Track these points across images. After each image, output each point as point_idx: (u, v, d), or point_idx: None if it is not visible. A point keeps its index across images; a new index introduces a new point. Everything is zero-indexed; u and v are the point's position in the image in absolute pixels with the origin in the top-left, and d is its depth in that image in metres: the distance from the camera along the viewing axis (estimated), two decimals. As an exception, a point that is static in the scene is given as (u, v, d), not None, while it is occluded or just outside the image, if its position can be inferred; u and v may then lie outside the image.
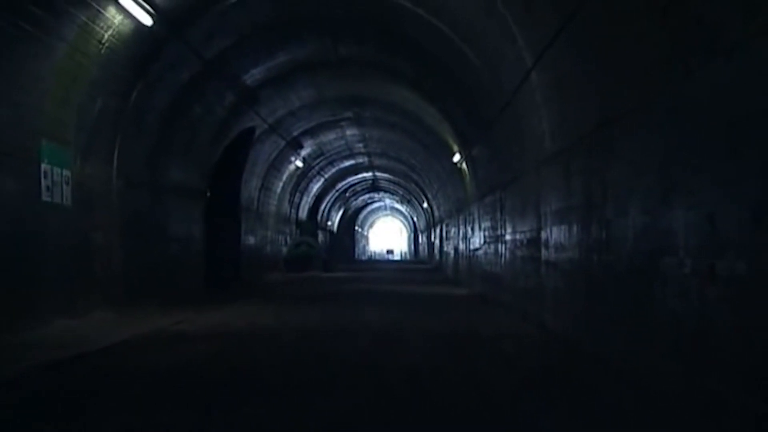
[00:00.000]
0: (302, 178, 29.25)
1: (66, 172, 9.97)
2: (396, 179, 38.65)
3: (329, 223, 43.17)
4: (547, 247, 10.22)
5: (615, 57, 6.87)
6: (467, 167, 18.68)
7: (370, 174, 37.95)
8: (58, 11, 8.61)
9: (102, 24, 9.49)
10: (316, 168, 30.10)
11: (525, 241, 11.88)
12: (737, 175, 4.64)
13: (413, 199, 43.30)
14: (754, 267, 4.43)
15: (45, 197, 9.42)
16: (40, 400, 5.94)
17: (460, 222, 22.86)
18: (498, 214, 14.90)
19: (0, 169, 8.37)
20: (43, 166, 9.35)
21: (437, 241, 34.54)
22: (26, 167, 9.00)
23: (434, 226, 36.19)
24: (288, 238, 30.15)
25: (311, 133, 23.83)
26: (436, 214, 33.59)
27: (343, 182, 38.24)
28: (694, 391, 5.20)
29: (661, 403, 5.44)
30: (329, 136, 25.82)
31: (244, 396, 6.02)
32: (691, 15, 5.13)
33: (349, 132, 25.85)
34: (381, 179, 40.12)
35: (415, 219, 54.64)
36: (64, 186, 9.94)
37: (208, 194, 17.38)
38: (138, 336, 9.26)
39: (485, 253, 17.02)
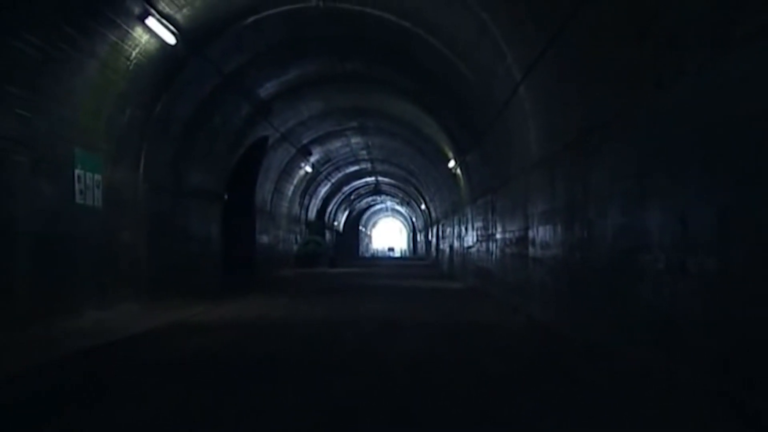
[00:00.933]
0: (311, 182, 29.24)
1: (97, 177, 9.98)
2: (396, 183, 38.62)
3: (335, 223, 43.15)
4: (534, 245, 10.23)
5: (596, 72, 6.88)
6: (461, 172, 18.68)
7: (372, 178, 37.93)
8: (90, 32, 8.62)
9: (130, 43, 9.51)
10: (324, 173, 30.09)
11: (514, 240, 11.89)
12: (706, 180, 4.67)
13: (412, 201, 43.26)
14: (721, 264, 4.47)
15: (78, 200, 9.42)
16: (78, 381, 6.04)
17: (455, 222, 22.84)
18: (489, 215, 14.90)
19: (39, 174, 8.37)
20: (77, 171, 9.36)
21: (434, 240, 34.52)
22: (62, 172, 9.00)
23: (431, 226, 36.16)
24: (298, 237, 30.14)
25: (319, 141, 23.84)
26: (433, 215, 33.55)
27: (348, 186, 38.21)
28: (665, 373, 5.23)
29: (635, 383, 5.46)
30: (336, 144, 25.82)
31: (260, 378, 6.06)
32: (665, 36, 5.16)
33: (353, 140, 25.85)
34: (383, 183, 40.10)
35: (414, 219, 54.59)
36: (95, 189, 9.95)
37: (226, 197, 17.39)
38: (162, 326, 9.30)
39: (478, 251, 17.02)
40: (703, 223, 4.67)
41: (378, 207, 60.26)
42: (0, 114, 7.53)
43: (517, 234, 11.59)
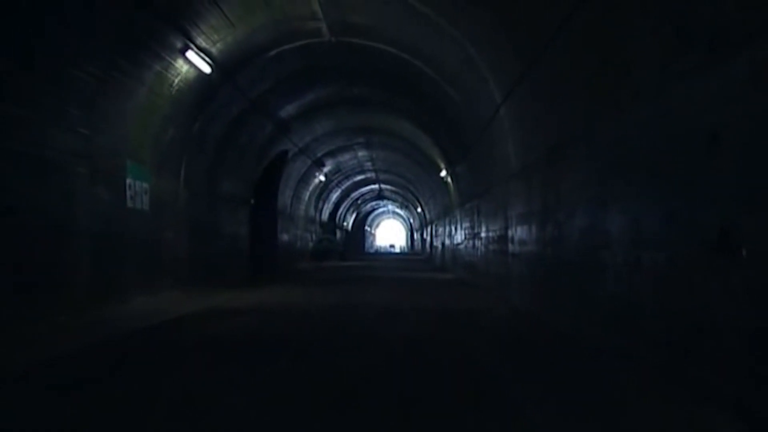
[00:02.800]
0: (324, 189, 29.25)
1: (145, 185, 10.03)
2: (397, 189, 38.57)
3: (345, 223, 43.11)
4: (513, 242, 10.25)
5: (565, 96, 6.90)
6: (451, 181, 18.68)
7: (376, 186, 37.87)
8: (140, 62, 8.68)
9: (173, 72, 9.57)
10: (335, 181, 30.08)
11: (496, 238, 11.90)
12: (656, 189, 4.71)
13: (410, 205, 43.21)
14: (668, 258, 4.51)
15: (129, 204, 9.48)
16: (135, 354, 6.14)
17: (446, 223, 22.83)
18: (475, 217, 14.91)
19: (96, 182, 8.43)
20: (128, 180, 9.43)
21: (428, 238, 34.46)
22: (115, 181, 9.07)
23: (426, 226, 36.12)
24: (313, 236, 30.12)
25: (331, 154, 23.83)
26: (428, 216, 33.52)
27: (356, 192, 38.16)
28: (622, 349, 5.27)
29: (595, 356, 5.48)
30: (345, 157, 25.82)
31: (283, 353, 6.11)
32: (623, 66, 5.20)
33: (360, 153, 25.85)
34: (385, 190, 40.05)
35: (411, 220, 54.48)
36: (143, 195, 10.01)
37: (252, 201, 17.39)
38: (199, 310, 9.34)
39: (465, 247, 17.03)
40: (654, 224, 4.72)
41: (381, 210, 60.14)
42: (64, 132, 7.60)
43: (498, 233, 11.60)
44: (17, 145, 6.73)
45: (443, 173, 19.26)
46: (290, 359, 5.85)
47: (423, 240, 40.52)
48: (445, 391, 4.62)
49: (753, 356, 3.42)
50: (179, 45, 9.11)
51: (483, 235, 13.65)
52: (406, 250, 67.30)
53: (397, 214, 62.62)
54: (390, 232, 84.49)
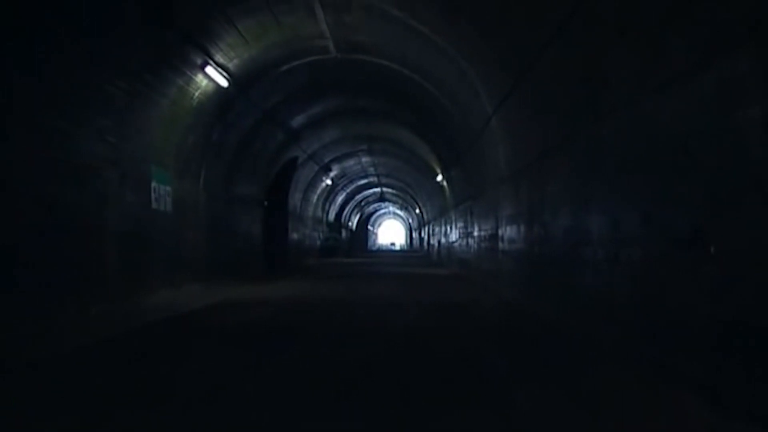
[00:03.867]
0: (331, 191, 29.26)
1: (168, 188, 10.03)
2: (397, 192, 38.58)
3: (349, 223, 43.10)
4: (502, 240, 10.29)
5: (549, 107, 6.94)
6: (447, 184, 18.72)
7: (378, 189, 37.87)
8: (163, 78, 8.71)
9: (193, 86, 9.60)
10: (341, 185, 30.09)
11: (487, 237, 11.94)
12: (632, 191, 4.75)
13: (409, 206, 43.23)
14: (643, 255, 4.56)
15: (154, 206, 9.48)
16: (168, 338, 6.27)
17: (442, 223, 22.88)
18: (468, 217, 14.95)
19: (124, 186, 8.45)
20: (153, 184, 9.43)
21: (426, 236, 34.51)
22: (141, 185, 9.08)
23: (424, 226, 36.15)
24: (321, 234, 30.12)
25: (337, 160, 23.84)
26: (425, 217, 33.56)
27: (360, 194, 38.16)
28: (600, 336, 5.31)
29: (576, 342, 5.53)
30: (350, 162, 25.83)
31: (295, 338, 6.17)
32: (601, 81, 5.24)
33: (364, 159, 25.86)
34: (386, 192, 40.05)
35: (410, 220, 54.49)
36: (167, 198, 10.00)
37: (265, 203, 17.40)
38: (218, 302, 9.40)
39: (459, 245, 17.07)
40: (630, 224, 4.76)
41: (383, 211, 60.13)
42: (95, 140, 7.64)
43: (490, 232, 11.64)
44: (57, 153, 6.79)
45: (439, 177, 19.30)
46: (302, 344, 5.91)
47: (421, 238, 40.54)
48: (441, 368, 4.72)
49: (717, 342, 3.47)
50: (199, 61, 9.15)
51: (475, 234, 13.68)
52: (405, 247, 67.24)
53: (398, 214, 62.62)
54: (391, 232, 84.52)
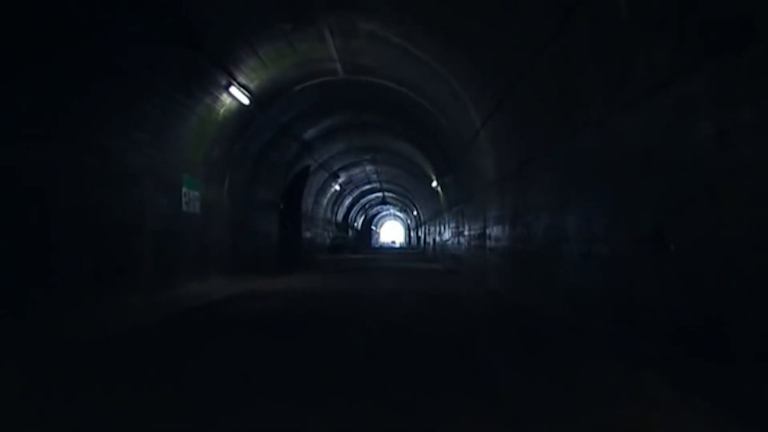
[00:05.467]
0: (339, 196, 29.27)
1: (196, 193, 10.11)
2: (397, 197, 38.55)
3: (355, 223, 43.04)
4: (490, 239, 10.29)
5: (530, 122, 6.97)
6: (441, 189, 18.72)
7: (380, 193, 37.84)
8: (194, 97, 8.79)
9: (219, 104, 9.66)
10: (347, 190, 30.09)
11: (476, 235, 11.95)
12: (603, 196, 4.79)
13: (408, 209, 43.17)
14: (611, 251, 4.60)
15: (184, 208, 9.56)
16: (200, 322, 6.34)
17: (437, 223, 22.86)
18: (460, 219, 14.94)
19: (159, 191, 8.53)
20: (183, 189, 9.50)
21: (423, 235, 34.46)
22: (174, 190, 9.16)
23: (421, 226, 36.11)
24: (330, 234, 30.14)
25: (344, 168, 23.85)
26: (422, 218, 33.52)
27: (364, 198, 38.14)
28: (576, 323, 5.34)
29: (554, 328, 5.55)
30: (355, 170, 25.84)
31: (305, 326, 6.17)
32: (575, 98, 5.28)
33: (368, 168, 25.87)
34: (388, 197, 40.02)
35: (409, 221, 54.37)
36: (196, 201, 10.08)
37: (281, 206, 17.43)
38: (240, 292, 9.42)
39: (452, 243, 17.06)
40: (601, 224, 4.80)
41: (384, 213, 60.00)
42: (134, 152, 7.72)
43: (479, 231, 11.65)
44: (102, 164, 6.87)
45: (434, 183, 19.29)
46: (314, 326, 5.98)
47: (418, 237, 40.48)
48: (435, 344, 4.80)
49: (679, 328, 3.52)
50: (225, 82, 9.21)
51: (466, 233, 13.69)
52: (404, 245, 67.00)
53: (398, 216, 62.47)
54: (392, 231, 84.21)
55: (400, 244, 74.97)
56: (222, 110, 9.94)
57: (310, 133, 15.81)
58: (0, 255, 5.13)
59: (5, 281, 5.22)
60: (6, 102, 5.24)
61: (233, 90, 9.48)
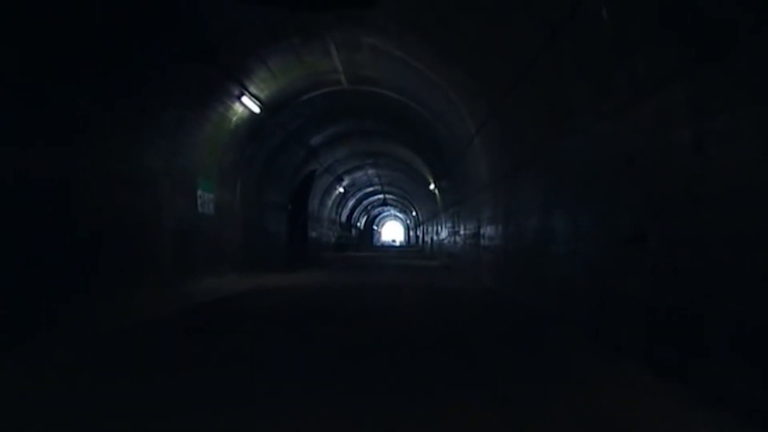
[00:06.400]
0: (343, 198, 29.25)
1: (211, 195, 10.10)
2: (397, 198, 38.55)
3: (358, 223, 43.00)
4: (483, 238, 10.32)
5: (520, 130, 7.00)
6: (438, 192, 18.75)
7: (381, 195, 37.80)
8: (208, 106, 8.80)
9: (232, 112, 9.68)
10: (351, 192, 30.07)
11: (471, 235, 11.97)
12: (588, 198, 4.82)
13: (407, 210, 43.17)
14: (596, 249, 4.62)
15: (200, 209, 9.55)
16: (217, 314, 6.41)
17: (434, 223, 22.88)
18: (455, 219, 14.97)
19: (176, 193, 8.53)
20: (199, 191, 9.51)
21: (421, 234, 34.47)
22: (190, 192, 9.16)
23: (419, 225, 36.13)
24: (335, 233, 30.11)
25: (348, 172, 23.84)
26: (420, 218, 33.54)
27: (366, 200, 38.09)
28: (563, 315, 5.37)
29: (543, 319, 5.53)
30: (358, 174, 25.84)
31: (316, 314, 6.28)
32: (563, 109, 5.31)
33: (370, 172, 25.87)
34: (388, 198, 40.00)
35: (408, 221, 54.35)
36: (210, 203, 10.07)
37: (289, 207, 17.44)
38: (252, 287, 9.47)
39: (448, 242, 17.08)
40: (586, 224, 4.82)
41: (385, 214, 59.94)
42: (154, 157, 7.76)
43: (473, 231, 11.68)
44: (125, 168, 6.92)
45: (432, 186, 19.32)
46: (322, 319, 6.01)
47: (417, 236, 40.49)
48: (433, 331, 4.91)
49: (658, 320, 3.55)
50: (237, 92, 9.23)
51: (461, 232, 13.72)
52: (404, 244, 66.90)
53: (398, 216, 62.42)
54: (392, 230, 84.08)
55: (400, 242, 74.84)
56: (234, 118, 9.96)
57: (316, 139, 15.82)
58: (46, 251, 5.23)
59: (55, 274, 5.36)
60: (60, 116, 5.43)
61: (245, 99, 9.51)
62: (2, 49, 4.56)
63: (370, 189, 32.94)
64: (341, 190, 26.19)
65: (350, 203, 33.52)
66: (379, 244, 69.54)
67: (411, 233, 52.99)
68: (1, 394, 3.22)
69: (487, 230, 9.87)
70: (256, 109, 10.19)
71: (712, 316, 2.91)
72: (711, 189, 2.93)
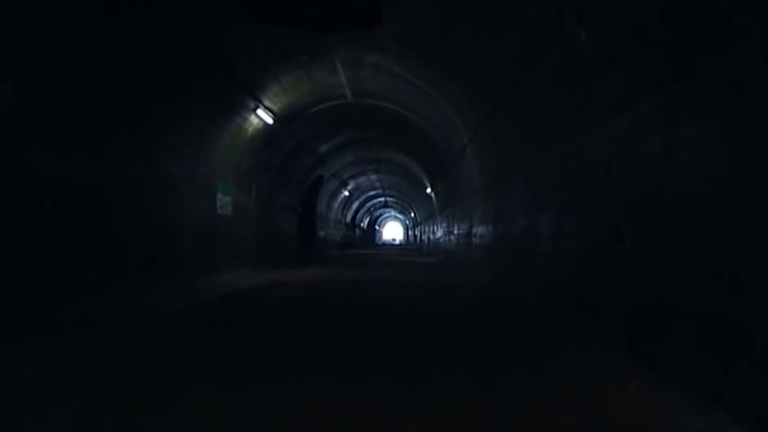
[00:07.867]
0: (347, 200, 29.22)
1: (228, 198, 10.14)
2: (397, 201, 38.47)
3: (362, 224, 42.87)
4: (475, 237, 10.33)
5: (508, 138, 7.02)
6: (434, 195, 18.75)
7: (383, 198, 37.72)
8: (226, 118, 8.85)
9: (247, 123, 9.71)
10: (355, 195, 30.03)
11: (464, 234, 11.98)
12: (571, 200, 4.85)
13: (406, 211, 43.08)
14: (578, 247, 4.65)
15: (218, 211, 9.59)
16: (235, 305, 6.42)
17: (431, 223, 22.86)
18: (450, 220, 14.97)
19: (197, 197, 8.58)
20: (218, 195, 9.55)
21: (419, 234, 34.40)
22: (210, 196, 9.20)
23: (417, 225, 36.07)
24: (340, 232, 30.08)
25: (352, 177, 23.82)
26: (418, 219, 33.49)
27: (369, 202, 37.97)
28: (549, 309, 5.39)
29: (530, 312, 5.55)
30: (362, 179, 25.83)
31: (324, 305, 6.30)
32: (547, 118, 5.35)
33: (372, 177, 25.84)
34: (389, 201, 39.91)
35: (407, 222, 54.23)
36: (228, 205, 10.11)
37: (299, 209, 17.47)
38: (265, 282, 9.45)
39: (444, 240, 17.07)
40: (569, 224, 4.85)
41: (386, 215, 59.76)
42: (177, 164, 7.81)
43: (466, 231, 11.69)
44: (151, 174, 6.98)
45: (428, 190, 19.31)
46: (330, 309, 6.06)
47: (415, 235, 40.40)
48: (430, 326, 4.86)
49: (632, 311, 3.58)
50: (252, 105, 9.27)
51: (455, 232, 13.72)
52: (404, 242, 66.68)
53: (398, 217, 62.25)
54: (392, 230, 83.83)
55: (400, 241, 74.49)
56: (250, 129, 10.01)
57: (323, 148, 15.83)
58: (90, 247, 5.38)
59: (98, 267, 5.51)
60: (95, 126, 5.55)
61: (259, 112, 9.56)
62: (47, 67, 4.64)
63: (373, 192, 32.89)
64: (346, 193, 26.15)
65: (354, 205, 33.46)
66: (380, 242, 69.23)
67: (410, 233, 52.84)
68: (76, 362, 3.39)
69: (479, 230, 9.89)
70: (270, 121, 10.23)
71: (677, 308, 2.95)
72: (677, 191, 2.98)
